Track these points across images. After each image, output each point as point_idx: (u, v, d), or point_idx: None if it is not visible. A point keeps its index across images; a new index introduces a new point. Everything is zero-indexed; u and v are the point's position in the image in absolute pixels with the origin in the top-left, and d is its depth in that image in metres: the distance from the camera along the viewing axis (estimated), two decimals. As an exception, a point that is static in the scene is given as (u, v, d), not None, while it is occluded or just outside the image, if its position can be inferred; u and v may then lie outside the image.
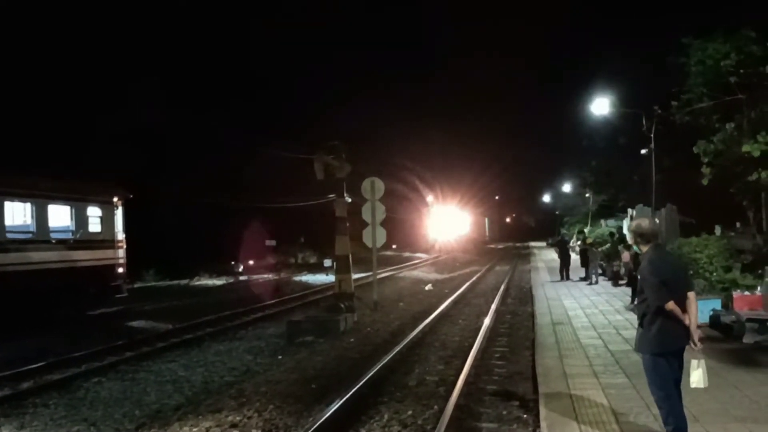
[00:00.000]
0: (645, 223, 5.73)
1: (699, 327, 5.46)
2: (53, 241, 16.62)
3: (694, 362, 5.35)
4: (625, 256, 22.35)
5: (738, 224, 22.60)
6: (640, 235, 5.59)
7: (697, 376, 5.35)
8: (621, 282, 20.78)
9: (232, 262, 36.05)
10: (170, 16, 57.55)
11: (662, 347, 5.32)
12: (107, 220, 18.50)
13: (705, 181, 15.65)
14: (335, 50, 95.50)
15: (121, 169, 28.64)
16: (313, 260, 41.94)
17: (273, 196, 36.52)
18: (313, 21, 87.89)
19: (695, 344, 5.28)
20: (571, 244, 30.99)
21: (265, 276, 33.10)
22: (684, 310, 5.27)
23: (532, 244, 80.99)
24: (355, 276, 18.23)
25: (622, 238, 27.96)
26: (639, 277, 5.58)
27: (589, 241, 26.20)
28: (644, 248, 5.58)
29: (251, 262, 37.29)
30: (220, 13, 70.80)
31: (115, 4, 54.25)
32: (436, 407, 8.02)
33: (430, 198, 60.50)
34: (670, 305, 5.19)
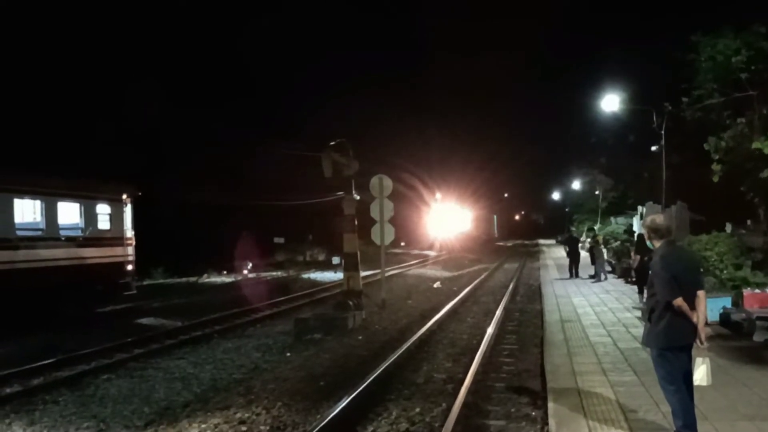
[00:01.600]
0: (660, 218, 5.72)
1: (708, 325, 5.45)
2: (62, 239, 16.68)
3: (698, 360, 5.35)
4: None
5: (749, 222, 22.43)
6: (655, 231, 5.58)
7: (700, 373, 5.34)
8: (631, 279, 20.68)
9: (240, 260, 36.11)
10: (168, 16, 57.69)
11: (669, 342, 5.32)
12: (116, 218, 18.55)
13: (715, 178, 15.56)
14: (333, 50, 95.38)
15: (128, 167, 28.75)
16: (321, 258, 41.95)
17: (281, 194, 36.61)
18: (311, 21, 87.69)
19: (701, 342, 5.27)
20: (581, 241, 30.87)
21: (274, 273, 33.14)
22: (693, 307, 5.26)
23: (541, 241, 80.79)
24: (363, 273, 18.23)
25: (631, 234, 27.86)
26: (650, 271, 5.56)
27: (598, 238, 26.11)
28: (657, 244, 5.56)
29: (259, 260, 37.34)
30: (218, 13, 70.85)
31: (112, 3, 54.41)
32: (444, 404, 8.01)
33: (433, 194, 57.70)
34: (678, 301, 5.17)
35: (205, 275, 31.28)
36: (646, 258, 12.65)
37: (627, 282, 20.81)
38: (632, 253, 22.05)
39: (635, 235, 23.62)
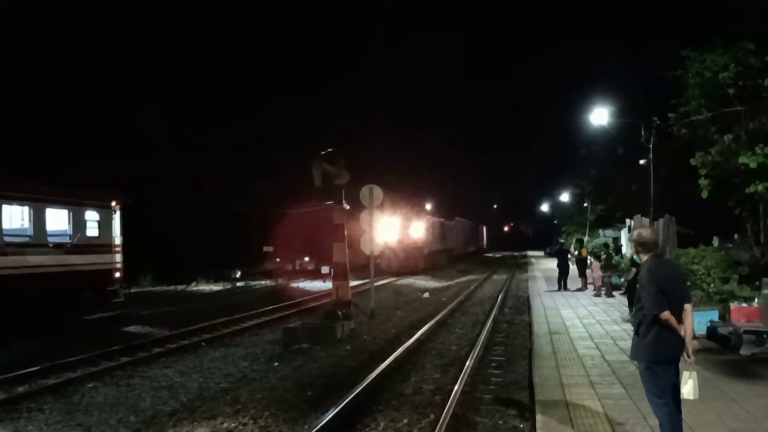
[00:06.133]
0: (646, 232, 5.76)
1: (696, 338, 5.47)
2: (50, 245, 16.57)
3: (685, 374, 5.37)
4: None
5: (736, 236, 22.59)
6: (642, 244, 5.62)
7: (688, 387, 5.37)
8: (618, 293, 20.77)
9: (229, 269, 36.00)
10: (173, 25, 58.07)
11: (657, 355, 5.34)
12: (105, 225, 18.46)
13: (704, 194, 15.59)
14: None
15: (119, 174, 28.71)
16: (311, 267, 41.86)
17: (271, 202, 36.63)
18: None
19: (689, 356, 5.29)
20: (570, 253, 30.97)
21: (263, 282, 33.04)
22: (680, 321, 5.29)
23: (530, 253, 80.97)
24: (352, 283, 18.21)
25: (618, 248, 27.95)
26: (638, 285, 5.60)
27: (584, 251, 26.26)
28: (644, 257, 5.60)
29: (248, 268, 37.23)
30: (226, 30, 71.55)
31: (116, 10, 54.58)
32: (432, 416, 8.00)
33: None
34: (666, 315, 5.20)
35: (194, 283, 31.14)
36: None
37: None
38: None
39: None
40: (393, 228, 37.05)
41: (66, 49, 39.02)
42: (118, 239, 19.02)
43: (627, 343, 11.03)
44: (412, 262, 38.95)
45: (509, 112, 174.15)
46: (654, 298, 5.28)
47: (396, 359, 11.25)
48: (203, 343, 14.27)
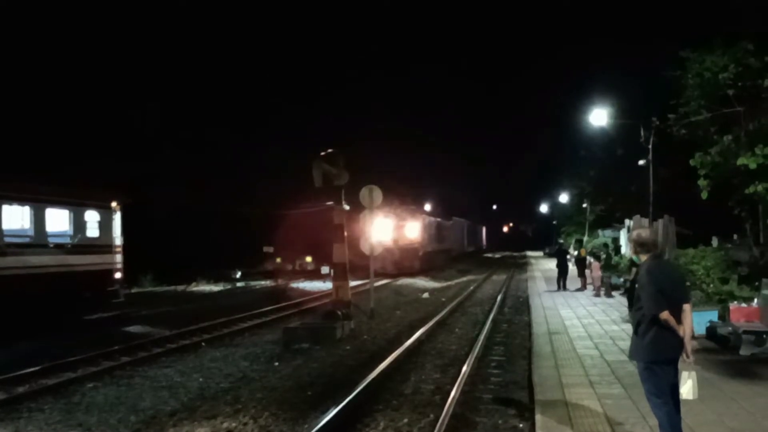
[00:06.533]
0: (645, 232, 5.78)
1: (695, 338, 5.48)
2: (51, 246, 16.56)
3: (684, 374, 5.38)
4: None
5: (735, 236, 22.63)
6: (641, 245, 5.63)
7: (687, 387, 5.38)
8: (617, 293, 20.79)
9: (230, 269, 36.02)
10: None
11: (655, 355, 5.36)
12: (105, 225, 18.44)
13: (704, 195, 15.60)
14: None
15: (119, 174, 28.75)
16: (311, 267, 41.86)
17: (271, 203, 36.65)
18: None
19: (688, 356, 5.31)
20: (570, 253, 30.97)
21: (263, 282, 33.04)
22: (679, 321, 5.30)
23: (529, 253, 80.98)
24: (352, 283, 18.23)
25: (617, 249, 27.93)
26: (637, 285, 5.61)
27: (583, 252, 26.26)
28: (644, 257, 5.61)
29: (248, 268, 37.24)
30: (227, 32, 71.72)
31: (116, 10, 54.69)
32: (431, 415, 8.02)
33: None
34: (665, 315, 5.21)
35: (194, 283, 31.15)
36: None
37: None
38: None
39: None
40: (388, 228, 35.25)
41: (66, 49, 39.11)
42: (118, 240, 18.99)
43: (626, 343, 11.04)
44: (407, 262, 37.66)
45: (509, 112, 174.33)
46: (653, 298, 5.29)
47: (396, 359, 11.27)
48: (203, 343, 14.28)
